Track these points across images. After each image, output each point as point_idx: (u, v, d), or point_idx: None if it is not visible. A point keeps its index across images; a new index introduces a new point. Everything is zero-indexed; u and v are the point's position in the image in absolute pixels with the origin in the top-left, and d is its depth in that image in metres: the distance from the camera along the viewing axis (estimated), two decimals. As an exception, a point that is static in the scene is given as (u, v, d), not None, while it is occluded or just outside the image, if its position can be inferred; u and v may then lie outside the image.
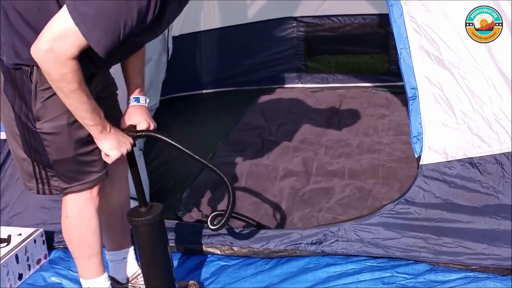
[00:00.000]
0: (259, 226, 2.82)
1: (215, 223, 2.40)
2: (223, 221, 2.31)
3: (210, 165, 2.30)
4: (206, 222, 2.85)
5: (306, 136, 3.88)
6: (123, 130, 2.18)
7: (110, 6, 1.83)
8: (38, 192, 2.20)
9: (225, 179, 2.27)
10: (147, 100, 2.29)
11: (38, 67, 1.99)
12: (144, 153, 3.65)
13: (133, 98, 2.26)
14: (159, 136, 2.25)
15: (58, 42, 1.85)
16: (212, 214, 2.47)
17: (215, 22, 4.81)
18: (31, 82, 2.02)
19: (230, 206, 2.29)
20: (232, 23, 4.84)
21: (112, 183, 2.30)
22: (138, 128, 2.24)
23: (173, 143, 2.23)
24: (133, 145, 2.18)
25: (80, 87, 1.93)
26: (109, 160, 2.12)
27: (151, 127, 2.27)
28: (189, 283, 2.53)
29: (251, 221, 2.82)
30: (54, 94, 2.02)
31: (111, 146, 2.09)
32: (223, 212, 2.37)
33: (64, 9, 1.86)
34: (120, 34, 1.87)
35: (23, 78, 2.03)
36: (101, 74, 2.17)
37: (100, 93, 2.15)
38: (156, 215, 2.24)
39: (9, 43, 2.02)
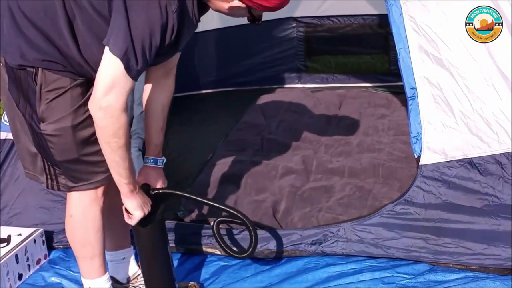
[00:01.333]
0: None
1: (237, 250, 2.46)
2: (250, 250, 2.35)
3: (232, 211, 2.35)
4: (207, 221, 2.87)
5: (306, 135, 3.88)
6: (140, 188, 2.23)
7: (138, 37, 1.86)
8: (47, 187, 2.22)
9: (248, 223, 2.31)
10: (164, 161, 2.35)
11: (43, 68, 1.99)
12: (143, 154, 3.65)
13: (151, 159, 2.32)
14: (177, 192, 2.33)
15: (111, 94, 1.89)
16: (217, 220, 2.47)
17: (215, 22, 4.81)
18: (36, 83, 2.02)
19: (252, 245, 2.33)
20: (232, 23, 4.83)
21: (112, 183, 2.30)
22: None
23: (190, 196, 2.36)
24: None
25: (127, 144, 1.98)
26: (132, 222, 2.17)
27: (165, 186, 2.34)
28: (190, 284, 2.53)
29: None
30: (59, 95, 2.03)
31: (136, 206, 2.14)
32: (225, 219, 2.41)
33: (106, 53, 1.89)
34: (148, 58, 1.91)
35: (28, 79, 2.03)
36: None
37: None
38: (156, 215, 2.24)
39: (14, 44, 2.01)
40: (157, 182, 2.31)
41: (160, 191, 2.29)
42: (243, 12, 2.03)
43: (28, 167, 2.25)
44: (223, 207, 2.36)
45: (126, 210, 2.17)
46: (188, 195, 2.37)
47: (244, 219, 2.31)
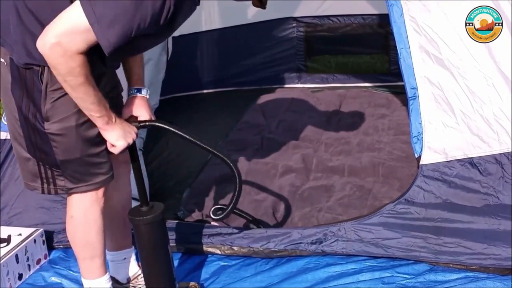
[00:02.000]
0: (258, 222, 2.83)
1: (218, 213, 2.39)
2: (229, 208, 2.30)
3: (216, 152, 2.29)
4: (207, 221, 2.87)
5: (306, 134, 3.88)
6: (126, 120, 2.18)
7: (126, 8, 1.83)
8: (42, 192, 2.20)
9: (231, 164, 2.27)
10: (148, 92, 2.29)
11: (49, 67, 1.99)
12: (144, 153, 3.65)
13: (135, 89, 2.27)
14: (162, 125, 2.24)
15: (66, 36, 1.85)
16: (214, 207, 2.46)
17: (215, 22, 4.81)
18: (42, 82, 2.02)
19: (236, 193, 2.29)
20: (232, 23, 4.84)
21: (114, 183, 2.30)
22: (140, 119, 2.24)
23: (177, 131, 2.22)
24: (137, 136, 2.18)
25: (87, 80, 1.92)
26: (115, 151, 2.12)
27: (153, 117, 2.27)
28: (190, 284, 2.53)
29: (250, 218, 2.83)
30: (64, 95, 2.02)
31: (118, 137, 2.09)
32: (224, 207, 2.37)
33: (77, 5, 1.85)
34: (131, 35, 1.87)
35: (34, 78, 2.03)
36: (108, 74, 2.18)
37: (108, 94, 2.15)
38: (157, 214, 2.24)
39: (20, 43, 2.00)
40: (144, 112, 2.25)
41: (147, 123, 2.23)
42: None
43: (23, 175, 2.23)
44: (208, 148, 2.27)
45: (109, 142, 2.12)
46: (173, 129, 2.22)
47: (228, 161, 2.26)
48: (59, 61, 1.87)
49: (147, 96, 2.29)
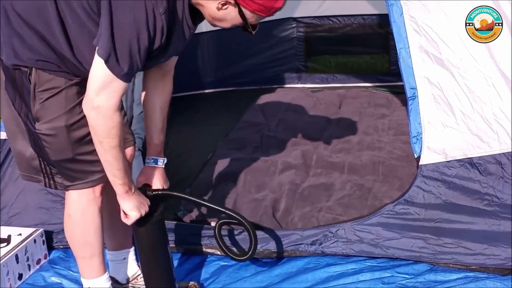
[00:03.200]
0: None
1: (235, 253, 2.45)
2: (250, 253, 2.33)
3: (231, 213, 2.33)
4: (207, 221, 2.86)
5: (306, 133, 3.88)
6: (139, 188, 2.23)
7: (125, 39, 1.85)
8: (45, 185, 2.23)
9: (247, 225, 2.30)
10: (165, 161, 2.33)
11: (37, 68, 1.99)
12: (144, 153, 3.65)
13: (151, 159, 2.31)
14: (175, 194, 2.31)
15: (102, 95, 1.89)
16: (219, 222, 2.46)
17: (215, 22, 4.81)
18: (30, 83, 2.02)
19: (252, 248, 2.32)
20: (232, 23, 4.83)
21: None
22: (153, 187, 2.29)
23: (189, 197, 2.34)
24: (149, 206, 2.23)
25: (120, 144, 1.98)
26: (128, 222, 2.17)
27: (166, 186, 2.33)
28: (189, 284, 2.53)
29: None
30: (53, 95, 2.03)
31: (132, 207, 2.13)
32: (228, 220, 2.40)
33: (97, 59, 1.89)
34: (138, 60, 1.90)
35: (22, 78, 2.03)
36: None
37: None
38: (156, 214, 2.24)
39: (8, 44, 2.02)
40: (158, 182, 2.30)
41: (159, 192, 2.28)
42: (234, 16, 1.99)
43: (23, 169, 2.24)
44: (222, 210, 2.35)
45: (123, 211, 2.17)
46: (187, 196, 2.37)
47: (244, 222, 2.30)
48: (100, 122, 1.92)
49: (163, 166, 2.33)
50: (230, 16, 1.97)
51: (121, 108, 1.97)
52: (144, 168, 2.33)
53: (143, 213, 2.16)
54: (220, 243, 2.37)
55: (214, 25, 2.03)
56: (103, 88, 1.90)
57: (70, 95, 2.06)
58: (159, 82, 2.28)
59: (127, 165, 2.07)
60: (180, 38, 2.03)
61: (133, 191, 2.12)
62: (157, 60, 2.07)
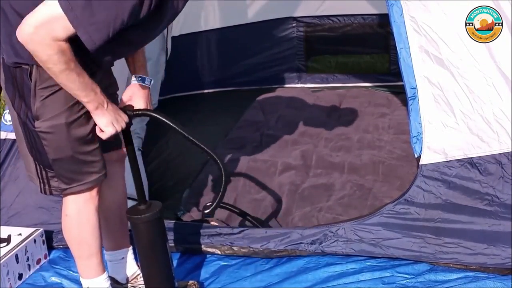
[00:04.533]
0: (252, 218, 2.84)
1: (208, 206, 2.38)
2: (215, 203, 2.28)
3: (206, 149, 2.27)
4: (207, 221, 2.87)
5: (306, 129, 3.88)
6: (120, 108, 2.16)
7: (106, 5, 1.82)
8: (41, 191, 2.22)
9: (219, 162, 2.25)
10: (152, 82, 2.26)
11: (37, 66, 1.99)
12: (143, 153, 3.65)
13: (138, 77, 2.25)
14: (156, 115, 2.20)
15: (43, 25, 1.84)
16: (206, 204, 2.44)
17: (215, 22, 4.81)
18: (31, 80, 2.03)
19: (222, 188, 2.26)
20: (232, 23, 4.84)
21: (109, 182, 2.31)
22: (136, 106, 2.22)
23: (170, 123, 2.18)
24: (130, 124, 2.16)
25: (69, 67, 1.91)
26: (103, 136, 2.09)
27: (149, 106, 2.26)
28: (189, 283, 2.53)
29: (240, 212, 2.84)
30: (53, 93, 2.03)
31: (107, 122, 2.06)
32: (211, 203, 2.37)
33: None
34: (110, 28, 1.86)
35: (23, 76, 2.04)
36: (101, 73, 2.17)
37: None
38: (155, 212, 2.24)
39: (8, 42, 2.02)
40: (141, 102, 2.24)
41: (140, 112, 2.20)
42: None
43: (28, 168, 2.25)
44: (200, 144, 2.25)
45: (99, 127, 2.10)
46: (165, 119, 2.18)
47: (218, 160, 2.25)
48: (37, 49, 1.87)
49: (150, 86, 2.26)
50: None
51: (64, 39, 1.88)
52: (129, 86, 2.26)
53: (119, 129, 2.10)
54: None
55: None
56: (48, 23, 1.85)
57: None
58: None
59: (88, 81, 1.98)
60: (173, 7, 2.01)
61: (105, 106, 2.04)
62: (149, 32, 2.04)
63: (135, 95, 2.24)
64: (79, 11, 1.83)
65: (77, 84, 1.96)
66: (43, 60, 1.90)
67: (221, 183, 2.26)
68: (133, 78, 2.25)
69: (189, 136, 2.21)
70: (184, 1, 2.03)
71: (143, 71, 2.26)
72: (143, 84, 2.25)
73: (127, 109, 2.18)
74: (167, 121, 2.17)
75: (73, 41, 1.90)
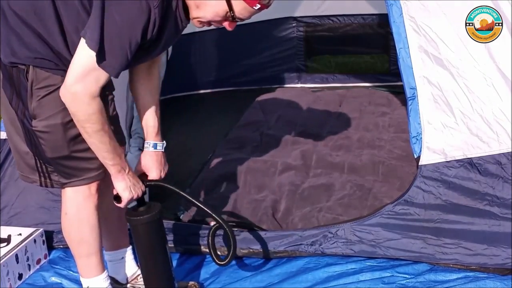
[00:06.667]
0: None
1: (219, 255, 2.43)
2: (228, 258, 2.32)
3: (217, 218, 2.32)
4: (206, 221, 2.86)
5: (305, 129, 3.88)
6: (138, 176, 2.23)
7: (117, 33, 1.87)
8: (41, 185, 2.23)
9: (226, 228, 2.29)
10: (164, 145, 2.31)
11: (34, 66, 2.01)
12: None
13: (150, 143, 2.29)
14: (167, 186, 2.29)
15: (80, 82, 1.90)
16: (214, 226, 2.45)
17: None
18: (27, 80, 2.04)
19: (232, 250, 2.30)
20: (232, 23, 4.83)
21: (109, 182, 2.31)
22: (151, 176, 2.28)
23: (183, 194, 2.30)
24: (144, 193, 2.23)
25: (103, 128, 1.98)
26: (122, 204, 2.17)
27: (163, 174, 2.31)
28: (189, 284, 2.53)
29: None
30: (50, 93, 2.04)
31: (125, 187, 2.13)
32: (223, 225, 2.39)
33: (81, 45, 1.90)
34: (128, 55, 1.90)
35: (20, 76, 2.05)
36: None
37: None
38: (154, 214, 2.24)
39: (6, 42, 2.03)
40: (155, 169, 2.28)
41: (152, 183, 2.27)
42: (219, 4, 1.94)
43: (21, 168, 2.25)
44: (206, 209, 2.30)
45: (115, 197, 2.17)
46: (179, 191, 2.29)
47: (223, 225, 2.28)
48: (78, 109, 1.93)
49: (163, 150, 2.30)
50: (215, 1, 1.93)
51: (98, 95, 1.95)
52: (142, 154, 2.30)
53: (135, 196, 2.16)
54: (210, 244, 2.37)
55: (198, 21, 2.01)
56: (84, 76, 1.90)
57: None
58: (145, 71, 2.27)
59: (116, 145, 2.05)
60: (171, 32, 2.04)
61: (127, 171, 2.11)
62: (148, 54, 2.07)
63: (149, 162, 2.29)
64: (115, 61, 1.89)
65: (107, 146, 2.02)
66: (81, 120, 1.96)
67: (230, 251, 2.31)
68: (146, 145, 2.30)
69: (200, 204, 2.31)
70: (182, 24, 2.06)
71: (155, 137, 2.29)
72: (156, 150, 2.29)
73: (143, 179, 2.25)
74: (178, 191, 2.29)
75: None
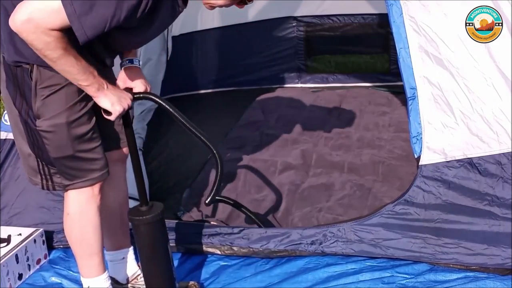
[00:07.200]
0: (255, 220, 2.84)
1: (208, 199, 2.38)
2: (212, 193, 2.28)
3: (201, 137, 2.30)
4: (207, 221, 2.87)
5: (305, 128, 3.88)
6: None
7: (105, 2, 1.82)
8: (42, 188, 2.22)
9: (214, 151, 2.27)
10: (141, 62, 2.24)
11: (38, 65, 2.00)
12: (144, 153, 3.65)
13: (127, 60, 2.23)
14: (156, 99, 2.20)
15: (38, 13, 1.83)
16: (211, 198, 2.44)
17: (215, 21, 4.81)
18: (31, 79, 2.03)
19: (218, 177, 2.26)
20: (232, 22, 4.84)
21: (110, 182, 2.31)
22: (136, 90, 2.20)
23: (169, 108, 2.21)
24: (131, 107, 2.14)
25: (66, 52, 1.90)
26: (112, 117, 2.06)
27: (148, 89, 2.24)
28: (189, 283, 2.53)
29: (247, 212, 2.83)
30: (54, 92, 2.03)
31: (113, 102, 2.03)
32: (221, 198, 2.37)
33: None
34: (106, 25, 1.85)
35: (24, 75, 2.04)
36: (103, 73, 2.16)
37: None
38: (157, 214, 2.24)
39: (10, 41, 2.03)
40: (139, 83, 2.22)
41: (141, 95, 2.19)
42: None
43: (25, 169, 2.25)
44: (194, 130, 2.27)
45: (105, 111, 2.07)
46: (164, 104, 2.21)
47: (212, 149, 2.27)
48: (32, 37, 1.86)
49: (140, 66, 2.24)
50: None
51: (59, 29, 1.87)
52: (120, 71, 2.24)
53: (126, 107, 2.07)
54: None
55: (210, 6, 2.00)
56: (43, 11, 1.83)
57: (71, 92, 2.06)
58: None
59: (85, 65, 1.96)
60: (167, 15, 2.01)
61: (106, 86, 2.02)
62: (140, 35, 2.04)
63: (130, 78, 2.21)
64: (78, 6, 1.82)
65: (76, 68, 1.94)
66: (39, 48, 1.88)
67: (217, 170, 2.27)
68: (123, 63, 2.23)
69: (184, 121, 2.27)
70: (178, 8, 2.03)
71: (131, 54, 2.24)
72: (132, 65, 2.23)
73: (129, 91, 2.16)
74: (164, 105, 2.20)
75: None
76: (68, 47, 1.90)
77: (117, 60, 2.27)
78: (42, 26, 1.83)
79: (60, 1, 1.82)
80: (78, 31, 1.85)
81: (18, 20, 1.84)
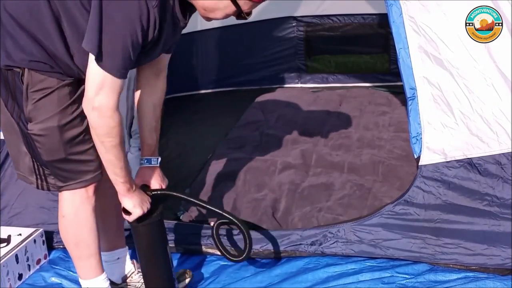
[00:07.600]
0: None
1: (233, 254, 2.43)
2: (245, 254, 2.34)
3: (228, 216, 2.35)
4: (206, 221, 2.87)
5: (305, 128, 3.88)
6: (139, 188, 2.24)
7: (117, 33, 1.86)
8: (37, 187, 2.22)
9: (242, 228, 2.32)
10: (159, 160, 2.33)
11: (29, 69, 1.99)
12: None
13: (145, 159, 2.31)
14: (174, 194, 2.33)
15: (101, 94, 1.90)
16: (218, 222, 2.46)
17: (215, 22, 4.81)
18: (23, 83, 2.02)
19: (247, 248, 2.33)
20: (232, 22, 4.82)
21: (105, 183, 2.30)
22: (152, 187, 2.30)
23: (191, 199, 2.35)
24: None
25: (121, 143, 1.99)
26: (130, 218, 2.18)
27: (163, 186, 2.33)
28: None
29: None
30: (46, 96, 2.03)
31: (135, 204, 2.16)
32: (226, 221, 2.40)
33: (91, 58, 1.90)
34: (130, 53, 1.89)
35: (15, 79, 2.03)
36: None
37: None
38: (156, 215, 2.24)
39: (1, 45, 2.01)
40: (155, 181, 2.31)
41: (158, 192, 2.29)
42: (226, 5, 1.96)
43: (18, 168, 2.24)
44: (219, 212, 2.35)
45: (124, 209, 2.18)
46: (185, 196, 2.37)
47: (238, 223, 2.30)
48: (102, 122, 1.93)
49: (158, 165, 2.32)
50: (223, 5, 1.96)
51: (118, 107, 1.97)
52: (139, 169, 2.33)
53: (145, 210, 2.18)
54: (218, 243, 2.38)
55: (207, 18, 2.02)
56: (101, 87, 1.90)
57: (63, 96, 2.05)
58: (152, 81, 2.28)
59: (128, 164, 2.08)
60: (170, 32, 2.03)
61: (134, 189, 2.14)
62: (150, 55, 2.06)
63: (147, 176, 2.31)
64: (109, 58, 1.88)
65: (122, 163, 2.03)
66: (101, 134, 1.97)
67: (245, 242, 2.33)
68: (141, 161, 2.32)
69: (208, 206, 2.37)
70: (177, 28, 2.06)
71: (150, 154, 2.32)
72: (151, 165, 2.31)
73: (146, 190, 2.26)
74: (185, 197, 2.35)
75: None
76: (122, 141, 1.99)
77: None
78: (108, 109, 1.93)
79: (101, 70, 1.88)
80: (118, 76, 1.92)
81: (89, 109, 1.93)
